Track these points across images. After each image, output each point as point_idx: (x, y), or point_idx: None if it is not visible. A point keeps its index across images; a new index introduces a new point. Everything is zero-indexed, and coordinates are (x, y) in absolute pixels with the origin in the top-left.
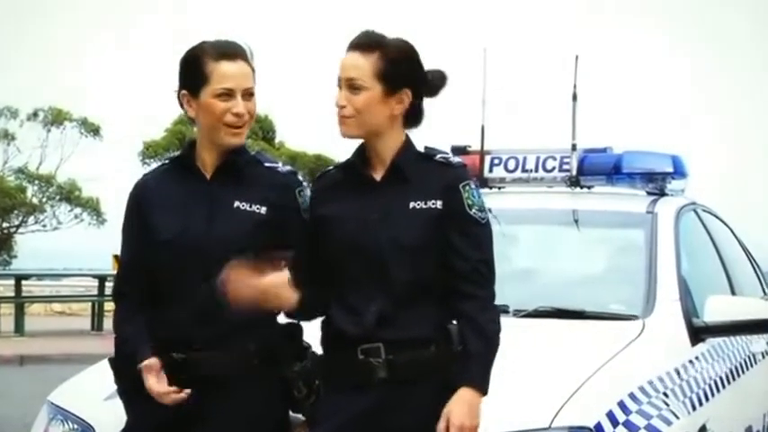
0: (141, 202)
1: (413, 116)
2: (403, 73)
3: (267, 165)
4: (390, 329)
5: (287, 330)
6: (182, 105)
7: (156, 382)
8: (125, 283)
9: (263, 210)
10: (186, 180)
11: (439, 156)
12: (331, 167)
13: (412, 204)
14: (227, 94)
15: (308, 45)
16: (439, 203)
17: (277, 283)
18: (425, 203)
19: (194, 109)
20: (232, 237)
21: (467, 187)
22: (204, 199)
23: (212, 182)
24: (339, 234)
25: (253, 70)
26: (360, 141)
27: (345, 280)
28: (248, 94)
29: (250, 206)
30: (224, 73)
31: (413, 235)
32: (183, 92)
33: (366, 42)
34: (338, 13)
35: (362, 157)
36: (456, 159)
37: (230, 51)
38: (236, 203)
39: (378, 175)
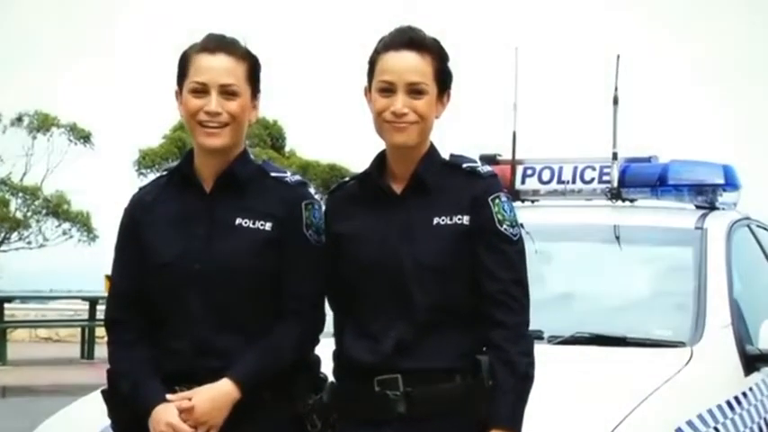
0: (137, 219)
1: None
2: (450, 72)
3: (274, 175)
4: (409, 358)
5: (302, 361)
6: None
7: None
8: (118, 310)
9: (268, 226)
10: (184, 194)
11: (466, 164)
12: (348, 178)
13: (436, 220)
14: (201, 90)
15: (321, 46)
16: (465, 219)
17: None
18: (450, 219)
19: (181, 107)
20: (234, 258)
21: (497, 200)
22: (203, 216)
23: (212, 196)
24: (356, 253)
25: (249, 67)
26: (378, 150)
27: (363, 304)
28: (228, 93)
29: (253, 223)
30: (198, 66)
31: (437, 254)
32: (176, 89)
33: (420, 41)
34: (352, 13)
35: (381, 167)
36: (486, 169)
37: (212, 44)
38: (238, 220)
39: (399, 188)
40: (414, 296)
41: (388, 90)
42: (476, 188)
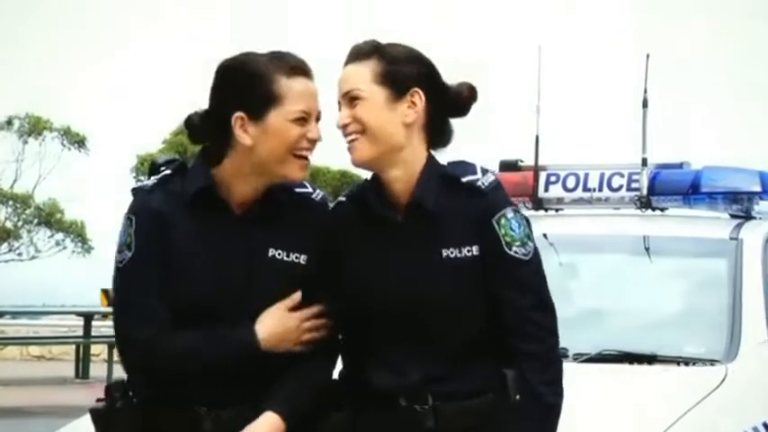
0: (159, 235)
1: (434, 130)
2: (409, 71)
3: (298, 191)
4: (439, 386)
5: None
6: (220, 131)
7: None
8: (152, 324)
9: (303, 259)
10: (207, 213)
11: (465, 179)
12: (342, 198)
13: (445, 253)
14: (304, 118)
15: (327, 47)
16: (475, 249)
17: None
18: (460, 251)
19: (253, 135)
20: (269, 295)
21: (502, 220)
22: (239, 244)
23: (243, 221)
24: (362, 291)
25: None
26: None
27: (381, 337)
28: (318, 119)
29: (287, 255)
30: (302, 92)
31: (451, 292)
32: (239, 114)
33: (360, 51)
34: (366, 15)
35: (377, 188)
36: (487, 181)
37: (304, 67)
38: (271, 251)
39: (398, 213)
40: (433, 335)
41: (339, 108)
42: (478, 209)
